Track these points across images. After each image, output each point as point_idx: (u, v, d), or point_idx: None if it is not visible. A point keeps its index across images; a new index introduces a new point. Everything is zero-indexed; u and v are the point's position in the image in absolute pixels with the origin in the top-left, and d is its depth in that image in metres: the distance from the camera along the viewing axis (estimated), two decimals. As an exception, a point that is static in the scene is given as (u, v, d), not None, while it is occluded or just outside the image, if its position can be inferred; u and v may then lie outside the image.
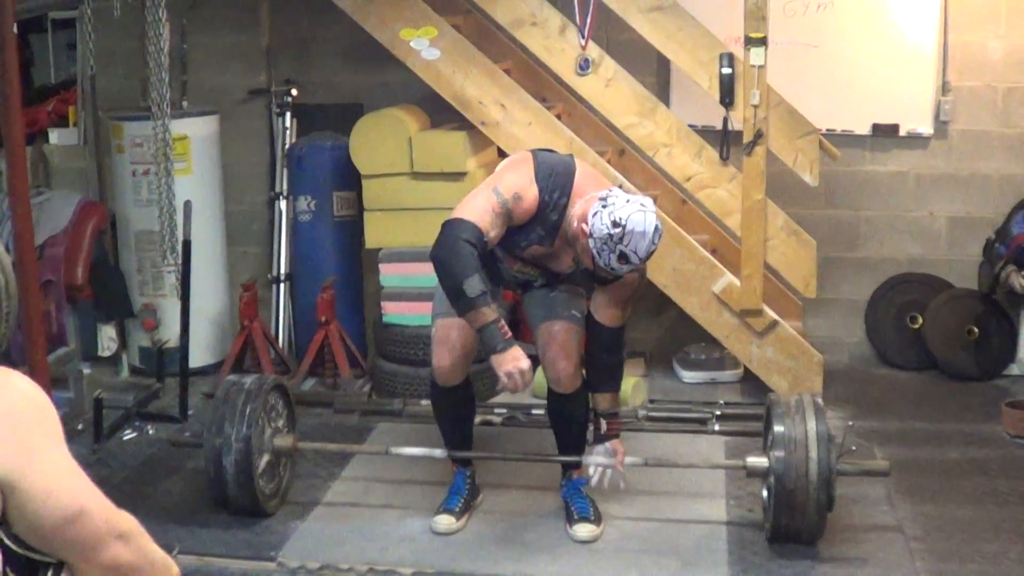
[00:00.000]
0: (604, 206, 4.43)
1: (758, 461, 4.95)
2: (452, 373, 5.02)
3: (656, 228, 4.43)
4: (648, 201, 4.50)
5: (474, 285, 4.42)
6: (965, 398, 6.91)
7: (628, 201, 4.44)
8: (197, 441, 5.34)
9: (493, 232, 4.56)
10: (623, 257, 4.42)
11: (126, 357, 7.37)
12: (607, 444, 5.07)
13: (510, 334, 4.54)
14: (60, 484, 2.07)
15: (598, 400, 5.06)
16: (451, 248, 4.47)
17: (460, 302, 4.49)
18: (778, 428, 4.85)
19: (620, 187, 4.70)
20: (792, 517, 4.79)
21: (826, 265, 7.26)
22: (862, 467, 5.11)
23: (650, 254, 4.48)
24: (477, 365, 5.28)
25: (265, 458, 5.17)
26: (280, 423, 5.35)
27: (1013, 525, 5.18)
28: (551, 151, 5.07)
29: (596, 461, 5.10)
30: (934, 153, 7.45)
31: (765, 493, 5.03)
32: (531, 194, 4.63)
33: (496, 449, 5.85)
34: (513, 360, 4.50)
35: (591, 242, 4.44)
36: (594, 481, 5.13)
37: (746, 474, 5.07)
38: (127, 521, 2.19)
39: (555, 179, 4.67)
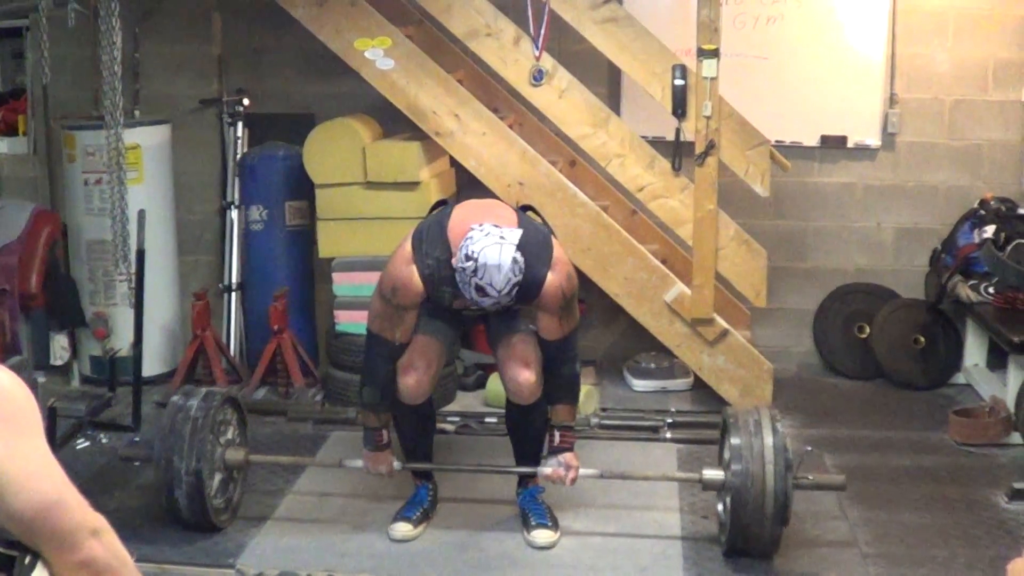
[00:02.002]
0: (467, 239, 4.44)
1: (715, 475, 4.93)
2: (417, 392, 4.98)
3: (514, 260, 4.37)
4: (512, 234, 4.47)
5: (367, 394, 4.98)
6: (912, 406, 7.00)
7: (487, 235, 4.42)
8: (147, 455, 5.18)
9: (398, 331, 4.81)
10: (480, 290, 4.41)
11: (77, 366, 7.33)
12: (560, 456, 5.01)
13: (385, 441, 5.07)
14: (40, 471, 2.13)
15: (553, 412, 5.02)
16: (365, 357, 4.96)
17: (359, 400, 5.20)
18: (735, 442, 4.82)
19: (495, 224, 4.58)
20: (748, 531, 4.77)
21: (774, 275, 7.30)
22: (819, 482, 5.01)
23: (511, 286, 4.42)
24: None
25: (217, 477, 5.11)
26: (231, 434, 5.27)
27: (962, 531, 5.26)
28: (442, 202, 5.14)
29: (548, 476, 5.06)
30: (882, 164, 7.56)
31: (720, 507, 5.02)
32: (409, 276, 4.66)
33: (450, 457, 5.88)
34: (375, 462, 5.10)
35: (457, 275, 4.47)
36: (546, 472, 5.07)
37: (702, 487, 5.05)
38: (100, 520, 2.25)
39: (429, 244, 4.67)
